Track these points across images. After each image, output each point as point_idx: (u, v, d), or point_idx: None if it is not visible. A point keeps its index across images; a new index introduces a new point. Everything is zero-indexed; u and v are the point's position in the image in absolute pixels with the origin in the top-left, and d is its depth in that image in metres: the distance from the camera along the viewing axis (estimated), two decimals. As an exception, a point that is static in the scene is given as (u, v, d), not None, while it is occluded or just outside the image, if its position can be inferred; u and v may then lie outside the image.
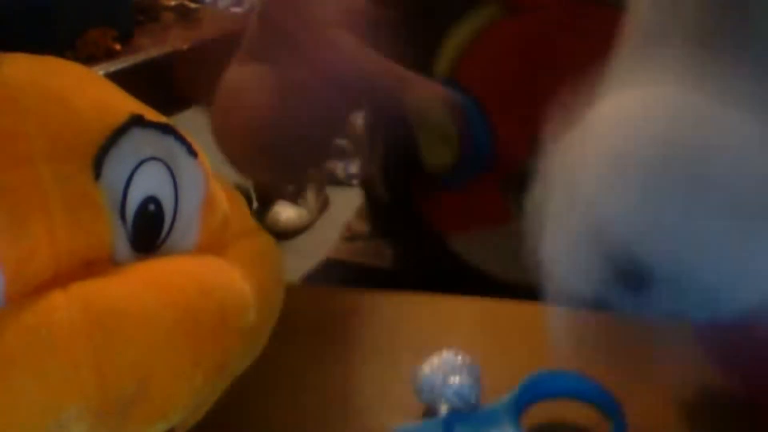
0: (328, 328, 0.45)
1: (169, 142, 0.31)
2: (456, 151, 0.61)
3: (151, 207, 0.30)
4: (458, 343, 0.40)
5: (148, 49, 1.94)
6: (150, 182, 0.30)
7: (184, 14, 2.16)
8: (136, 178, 0.30)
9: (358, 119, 0.76)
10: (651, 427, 0.37)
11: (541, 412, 0.37)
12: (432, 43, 0.59)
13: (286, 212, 2.42)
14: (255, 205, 2.38)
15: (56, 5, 1.76)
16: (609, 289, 0.34)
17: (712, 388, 0.40)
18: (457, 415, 0.35)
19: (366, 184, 0.77)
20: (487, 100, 0.60)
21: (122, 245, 0.29)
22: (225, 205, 0.34)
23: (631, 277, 0.33)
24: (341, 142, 2.48)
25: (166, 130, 0.31)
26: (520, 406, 0.36)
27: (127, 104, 0.31)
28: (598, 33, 0.57)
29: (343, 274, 0.75)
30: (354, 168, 2.58)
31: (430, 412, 0.36)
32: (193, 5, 2.21)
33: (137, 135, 0.30)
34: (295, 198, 2.45)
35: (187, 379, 0.28)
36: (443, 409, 0.35)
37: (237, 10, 2.77)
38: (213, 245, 0.33)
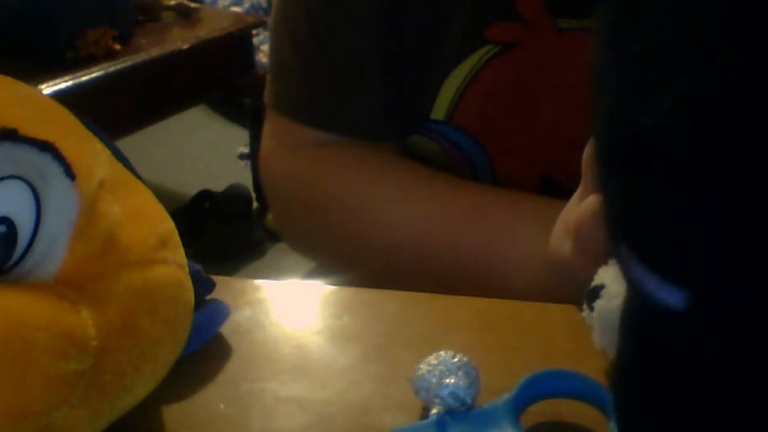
0: (328, 326, 0.45)
1: (44, 160, 0.30)
2: None
3: (1, 228, 0.29)
4: (458, 343, 0.40)
5: (148, 49, 1.94)
6: (5, 202, 0.29)
7: (184, 14, 2.16)
8: None
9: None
10: (651, 427, 0.37)
11: (540, 411, 0.37)
12: (430, 89, 0.60)
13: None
14: (255, 205, 2.37)
15: (56, 5, 1.76)
16: None
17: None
18: (451, 415, 0.35)
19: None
20: (488, 138, 0.61)
21: None
22: (114, 231, 0.32)
23: None
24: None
25: (44, 147, 0.30)
26: (519, 405, 0.36)
27: (7, 115, 0.30)
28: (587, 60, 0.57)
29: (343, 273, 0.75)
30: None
31: (429, 411, 0.36)
32: (193, 5, 2.21)
33: (4, 150, 0.29)
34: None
35: None
36: (437, 410, 0.35)
37: (237, 9, 2.77)
38: (82, 273, 0.31)
